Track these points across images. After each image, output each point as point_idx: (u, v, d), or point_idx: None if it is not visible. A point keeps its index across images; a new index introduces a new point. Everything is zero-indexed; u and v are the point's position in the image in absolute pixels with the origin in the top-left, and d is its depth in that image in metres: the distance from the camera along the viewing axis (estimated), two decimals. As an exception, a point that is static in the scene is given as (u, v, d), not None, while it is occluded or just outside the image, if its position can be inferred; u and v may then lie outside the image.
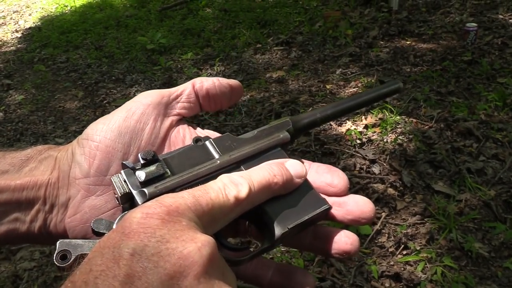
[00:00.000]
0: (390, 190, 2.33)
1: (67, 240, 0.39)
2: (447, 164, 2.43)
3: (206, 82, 0.53)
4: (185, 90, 0.53)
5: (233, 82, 0.55)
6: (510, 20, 4.30)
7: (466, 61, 3.59)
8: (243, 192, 0.40)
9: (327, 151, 2.73)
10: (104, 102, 4.09)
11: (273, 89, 3.73)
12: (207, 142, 0.49)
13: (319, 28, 4.81)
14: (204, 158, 0.47)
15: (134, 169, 0.44)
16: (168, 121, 0.51)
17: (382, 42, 4.25)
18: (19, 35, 6.52)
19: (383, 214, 2.19)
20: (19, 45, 6.06)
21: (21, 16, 7.56)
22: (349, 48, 4.21)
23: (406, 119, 2.89)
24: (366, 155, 2.61)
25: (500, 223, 2.01)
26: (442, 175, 2.38)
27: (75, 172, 0.48)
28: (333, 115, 0.57)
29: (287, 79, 3.88)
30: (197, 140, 0.49)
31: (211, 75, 4.30)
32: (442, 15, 4.68)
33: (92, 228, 0.42)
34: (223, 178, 0.41)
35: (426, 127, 2.80)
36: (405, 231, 2.06)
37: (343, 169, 2.53)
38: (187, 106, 0.52)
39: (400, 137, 2.72)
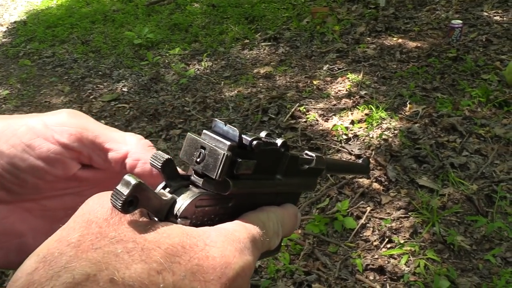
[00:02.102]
0: (375, 185, 2.37)
1: (144, 183, 0.30)
2: (431, 159, 2.47)
3: (143, 164, 0.44)
4: (114, 150, 0.43)
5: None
6: (495, 18, 4.36)
7: (451, 58, 3.64)
8: (274, 246, 0.39)
9: (313, 146, 2.75)
10: (91, 97, 4.06)
11: (261, 84, 3.74)
12: (287, 154, 0.42)
13: (307, 24, 4.82)
14: (272, 170, 0.41)
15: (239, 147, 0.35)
16: (74, 164, 0.43)
17: (369, 39, 4.28)
18: (4, 29, 6.43)
19: (368, 209, 2.22)
20: (4, 39, 5.98)
21: (6, 10, 7.45)
22: (336, 44, 4.23)
23: (392, 115, 2.93)
24: (352, 150, 2.64)
25: (481, 216, 2.05)
26: (426, 170, 2.42)
27: None
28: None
29: (275, 74, 3.89)
30: (285, 146, 0.40)
31: (198, 70, 4.29)
32: (428, 12, 4.73)
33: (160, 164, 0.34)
34: (275, 222, 0.38)
35: (411, 122, 2.83)
36: (389, 225, 2.09)
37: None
38: (104, 164, 0.44)
39: (386, 132, 2.76)
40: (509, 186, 2.21)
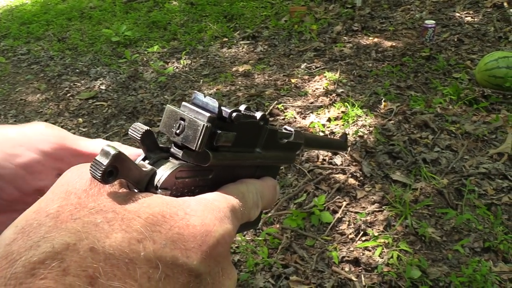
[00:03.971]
0: (351, 180, 2.43)
1: (123, 153, 0.29)
2: (404, 155, 2.55)
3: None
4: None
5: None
6: (466, 18, 4.50)
7: (425, 57, 3.74)
8: (254, 217, 0.39)
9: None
10: (68, 95, 4.02)
11: (239, 82, 3.77)
12: (266, 128, 0.42)
13: (285, 23, 4.88)
14: (251, 143, 0.42)
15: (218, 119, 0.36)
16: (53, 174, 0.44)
17: (345, 38, 4.36)
18: (-24, 25, 6.29)
19: (344, 203, 2.28)
20: (-24, 36, 5.85)
21: (-22, 6, 7.28)
22: (314, 43, 4.30)
23: (367, 112, 3.00)
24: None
25: (451, 209, 2.14)
26: (400, 165, 2.50)
27: None
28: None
29: (253, 73, 3.93)
30: (264, 119, 0.41)
31: (177, 68, 4.30)
32: (403, 12, 4.84)
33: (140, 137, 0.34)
34: (254, 194, 0.39)
35: (386, 120, 2.91)
36: (364, 219, 2.16)
37: (307, 161, 2.61)
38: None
39: (361, 129, 2.83)
40: (477, 180, 2.31)
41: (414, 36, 4.25)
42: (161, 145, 0.36)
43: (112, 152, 0.28)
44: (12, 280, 0.23)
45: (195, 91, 0.37)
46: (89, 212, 0.27)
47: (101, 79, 4.27)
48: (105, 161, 0.28)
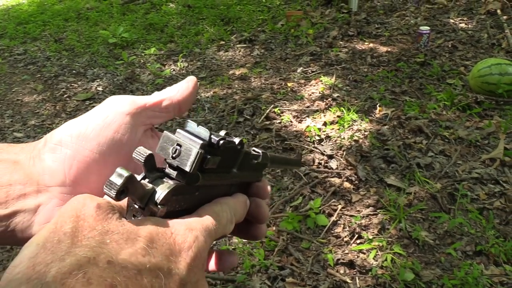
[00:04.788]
0: (346, 184, 2.47)
1: (134, 175, 0.35)
2: (399, 160, 2.60)
3: (181, 91, 0.51)
4: (163, 101, 0.50)
5: (194, 82, 0.53)
6: (460, 25, 4.57)
7: (419, 63, 3.80)
8: (229, 231, 0.46)
9: (287, 147, 2.84)
10: (65, 96, 4.02)
11: (236, 86, 3.80)
12: (242, 152, 0.48)
13: (282, 27, 4.92)
14: (230, 165, 0.48)
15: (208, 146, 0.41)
16: (141, 131, 0.49)
17: (341, 42, 4.41)
18: (-28, 24, 6.27)
19: (339, 206, 2.31)
20: (-28, 36, 5.83)
21: (-26, 5, 7.26)
22: (310, 47, 4.34)
23: (362, 117, 3.04)
24: (324, 151, 2.74)
25: (444, 213, 2.18)
26: (394, 169, 2.54)
27: (46, 179, 0.45)
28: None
29: (250, 76, 3.96)
30: (241, 144, 0.47)
31: (174, 70, 4.32)
32: (398, 18, 4.91)
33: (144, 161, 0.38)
34: (228, 212, 0.45)
35: (381, 124, 2.96)
36: (359, 222, 2.19)
37: (302, 164, 2.65)
38: (161, 116, 0.50)
39: (356, 134, 2.87)
40: (470, 184, 2.35)
41: (409, 42, 4.31)
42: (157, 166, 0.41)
43: (125, 174, 0.34)
44: None
45: (188, 120, 0.43)
46: (98, 233, 0.32)
47: (98, 80, 4.28)
48: (119, 182, 0.34)
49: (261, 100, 3.44)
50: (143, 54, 4.75)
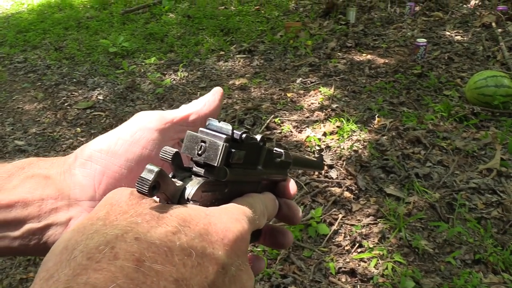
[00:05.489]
0: (346, 193, 2.51)
1: (164, 171, 0.35)
2: (397, 170, 2.64)
3: (208, 105, 0.52)
4: (190, 115, 0.51)
5: (220, 94, 0.54)
6: (456, 37, 4.65)
7: (416, 74, 3.86)
8: (263, 224, 0.46)
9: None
10: (66, 104, 4.05)
11: (236, 96, 3.85)
12: (265, 148, 0.49)
13: (280, 38, 4.98)
14: (255, 162, 0.49)
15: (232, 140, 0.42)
16: (169, 145, 0.47)
17: (339, 54, 4.48)
18: (-28, 32, 6.30)
19: (340, 216, 2.35)
20: (-28, 43, 5.86)
21: (-27, 13, 7.29)
22: (309, 58, 4.40)
23: (361, 127, 3.09)
24: (324, 161, 2.78)
25: (443, 222, 2.22)
26: (393, 179, 2.58)
27: (76, 193, 0.46)
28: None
29: (250, 86, 4.01)
30: (263, 140, 0.48)
31: (174, 80, 4.36)
32: (395, 30, 4.99)
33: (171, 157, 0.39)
34: (260, 204, 0.46)
35: (379, 135, 3.00)
36: (359, 231, 2.23)
37: (303, 174, 2.69)
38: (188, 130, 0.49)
39: (356, 144, 2.91)
40: (468, 194, 2.40)
41: (406, 53, 4.38)
42: (184, 165, 0.42)
43: (156, 169, 0.34)
44: (72, 263, 0.28)
45: (210, 118, 0.44)
46: (130, 215, 0.33)
47: (98, 89, 4.31)
48: (150, 177, 0.34)
49: (261, 110, 3.48)
50: (143, 63, 4.79)
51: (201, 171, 0.41)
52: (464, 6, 5.49)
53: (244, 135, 0.42)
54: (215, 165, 0.39)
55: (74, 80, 4.56)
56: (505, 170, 2.55)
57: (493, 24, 4.73)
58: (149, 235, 0.31)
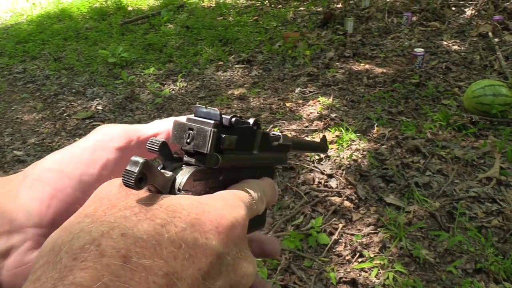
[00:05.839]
0: (346, 203, 2.50)
1: (150, 161, 0.34)
2: (397, 179, 2.64)
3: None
4: (159, 134, 0.46)
5: None
6: (453, 47, 4.68)
7: (414, 84, 3.88)
8: (261, 210, 0.44)
9: (287, 166, 2.87)
10: (65, 114, 4.05)
11: (235, 106, 3.85)
12: (259, 131, 0.47)
13: (279, 48, 5.01)
14: (249, 146, 0.47)
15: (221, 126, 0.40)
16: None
17: (338, 63, 4.50)
18: (-29, 43, 6.31)
19: (340, 225, 2.34)
20: (-29, 54, 5.87)
21: (-27, 24, 7.32)
22: (307, 68, 4.42)
23: (361, 137, 3.10)
24: (324, 170, 2.78)
25: (444, 231, 2.22)
26: (393, 188, 2.58)
27: (21, 218, 0.40)
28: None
29: (248, 96, 4.02)
30: (256, 124, 0.46)
31: (173, 90, 4.37)
32: (393, 40, 5.02)
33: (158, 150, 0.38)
34: (257, 189, 0.44)
35: (379, 144, 3.01)
36: (360, 240, 2.22)
37: (303, 183, 2.68)
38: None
39: (355, 153, 2.92)
40: (468, 203, 2.40)
41: (404, 63, 4.41)
42: (174, 156, 0.41)
43: (141, 160, 0.32)
44: (58, 265, 0.27)
45: (197, 104, 0.43)
46: (119, 209, 0.32)
47: (97, 99, 4.32)
48: (135, 169, 0.32)
49: (261, 120, 3.49)
50: (142, 73, 4.80)
51: (192, 160, 0.39)
52: (461, 16, 5.53)
53: (233, 119, 0.41)
54: (205, 152, 0.38)
55: (73, 90, 4.57)
56: (504, 178, 2.55)
57: (490, 33, 4.77)
58: (136, 230, 0.30)
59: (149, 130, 0.46)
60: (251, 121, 0.45)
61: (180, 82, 4.50)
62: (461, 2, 5.87)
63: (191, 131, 0.39)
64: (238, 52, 5.11)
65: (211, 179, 0.41)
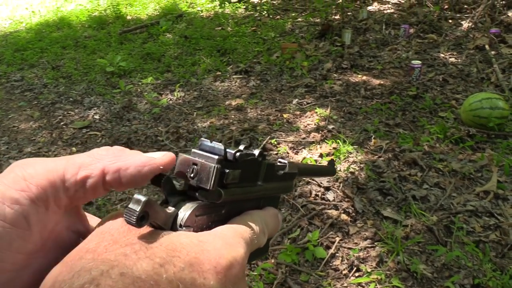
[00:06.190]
0: (344, 216, 2.49)
1: (152, 199, 0.34)
2: (394, 192, 2.63)
3: (126, 169, 0.38)
4: (90, 176, 0.37)
5: (163, 161, 0.40)
6: (450, 59, 4.71)
7: (412, 96, 3.89)
8: (263, 243, 0.44)
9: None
10: (61, 123, 4.04)
11: (233, 116, 3.85)
12: (264, 163, 0.47)
13: (277, 59, 5.02)
14: (254, 178, 0.47)
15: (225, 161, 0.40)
16: (54, 217, 0.37)
17: (335, 75, 4.51)
18: (-31, 51, 6.31)
19: (337, 239, 2.33)
20: (-31, 62, 5.86)
21: (-29, 32, 7.32)
22: (305, 79, 4.43)
23: (358, 149, 3.09)
24: (321, 183, 2.77)
25: (441, 246, 2.20)
26: (390, 201, 2.57)
27: None
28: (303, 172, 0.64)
29: (246, 107, 4.02)
30: (262, 155, 0.46)
31: (171, 100, 4.37)
32: (390, 52, 5.04)
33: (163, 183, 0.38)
34: (259, 222, 0.43)
35: (376, 157, 3.01)
36: (357, 255, 2.20)
37: (300, 196, 2.67)
38: (86, 196, 0.38)
39: (352, 166, 2.91)
40: (465, 217, 2.39)
41: (401, 75, 4.42)
42: (178, 189, 0.41)
43: (143, 199, 0.33)
44: None
45: (202, 138, 0.43)
46: (120, 246, 0.32)
47: (95, 108, 4.31)
48: (137, 208, 0.33)
49: (258, 131, 3.48)
50: (140, 83, 4.80)
51: (195, 194, 0.40)
52: (458, 28, 5.57)
53: (238, 154, 0.41)
54: (208, 188, 0.38)
55: (71, 99, 4.56)
56: (502, 192, 2.55)
57: (487, 46, 4.80)
58: (135, 269, 0.30)
59: (76, 174, 0.37)
60: (256, 152, 0.45)
61: (178, 92, 4.50)
62: (458, 15, 5.91)
63: (195, 166, 0.39)
64: (236, 63, 5.12)
65: (214, 213, 0.41)
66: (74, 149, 3.60)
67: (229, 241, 0.36)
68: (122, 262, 0.30)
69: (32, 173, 0.35)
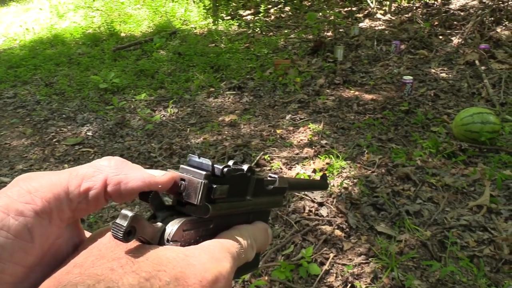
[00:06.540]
0: (337, 232, 2.48)
1: (139, 215, 0.34)
2: (388, 207, 2.63)
3: (126, 183, 0.38)
4: (93, 188, 0.37)
5: (162, 180, 0.40)
6: (441, 74, 4.76)
7: (404, 111, 3.92)
8: (251, 257, 0.44)
9: (278, 194, 2.85)
10: (54, 140, 4.02)
11: (226, 132, 3.85)
12: (253, 177, 0.47)
13: (270, 75, 5.06)
14: (242, 193, 0.47)
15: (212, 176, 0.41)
16: (56, 230, 0.36)
17: (328, 90, 4.54)
18: (-38, 68, 6.30)
19: (331, 255, 2.31)
20: (-39, 79, 5.85)
21: (-36, 49, 7.32)
22: (298, 95, 4.45)
23: (351, 164, 3.10)
24: (314, 198, 2.76)
25: (435, 261, 2.19)
26: (384, 217, 2.57)
27: None
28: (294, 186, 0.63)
29: (239, 123, 4.03)
30: (250, 170, 0.46)
31: (164, 116, 4.37)
32: (382, 67, 5.10)
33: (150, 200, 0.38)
34: (247, 236, 0.43)
35: (369, 172, 3.01)
36: (351, 271, 2.19)
37: (293, 212, 2.66)
38: (88, 208, 0.38)
39: (346, 181, 2.91)
40: (459, 232, 2.38)
41: (393, 90, 4.46)
42: (166, 204, 0.41)
43: (130, 214, 0.34)
44: None
45: (190, 154, 0.43)
46: (107, 260, 0.32)
47: (88, 125, 4.30)
48: (124, 223, 0.33)
49: (251, 147, 3.48)
50: (133, 99, 4.80)
51: (183, 209, 0.40)
52: (448, 44, 5.65)
53: (225, 169, 0.41)
54: (195, 203, 0.39)
55: (64, 116, 4.55)
56: (495, 206, 2.55)
57: (477, 61, 4.86)
58: (121, 283, 0.30)
59: (79, 186, 0.37)
60: (245, 167, 0.46)
61: (171, 108, 4.50)
62: (448, 31, 6.00)
63: (183, 182, 0.40)
64: (229, 79, 5.14)
65: (202, 227, 0.41)
66: (66, 166, 3.58)
67: (216, 255, 0.36)
68: (108, 277, 0.30)
69: (36, 187, 0.35)
